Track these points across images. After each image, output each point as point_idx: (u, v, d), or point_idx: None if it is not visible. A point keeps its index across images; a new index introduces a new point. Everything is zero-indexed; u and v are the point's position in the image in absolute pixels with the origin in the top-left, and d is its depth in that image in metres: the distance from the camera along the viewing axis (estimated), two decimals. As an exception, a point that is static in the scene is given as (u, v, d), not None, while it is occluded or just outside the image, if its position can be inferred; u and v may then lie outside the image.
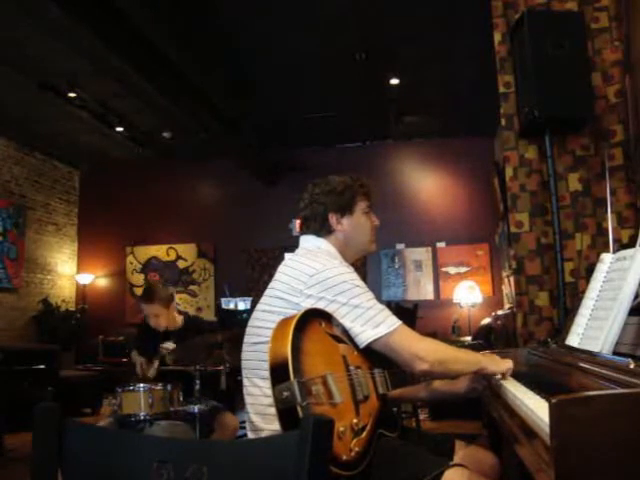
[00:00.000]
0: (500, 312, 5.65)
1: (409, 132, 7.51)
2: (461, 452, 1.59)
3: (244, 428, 1.63)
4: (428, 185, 7.78)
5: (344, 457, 1.24)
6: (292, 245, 2.21)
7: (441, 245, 7.59)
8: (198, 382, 2.82)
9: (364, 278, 7.21)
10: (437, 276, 7.57)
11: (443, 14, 4.72)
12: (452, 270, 7.53)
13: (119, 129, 6.82)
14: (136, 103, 5.94)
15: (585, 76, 2.69)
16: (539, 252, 2.88)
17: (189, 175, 8.24)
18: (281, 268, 1.58)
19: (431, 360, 1.43)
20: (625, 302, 1.39)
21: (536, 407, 1.15)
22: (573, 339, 1.63)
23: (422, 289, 7.60)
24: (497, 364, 1.59)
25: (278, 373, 1.22)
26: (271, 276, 1.61)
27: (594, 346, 1.43)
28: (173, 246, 8.25)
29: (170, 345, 3.01)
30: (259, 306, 1.56)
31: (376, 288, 7.38)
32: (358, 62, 5.34)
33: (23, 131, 7.10)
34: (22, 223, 7.40)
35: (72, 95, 5.86)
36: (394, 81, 5.95)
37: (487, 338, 5.22)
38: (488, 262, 7.42)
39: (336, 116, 6.75)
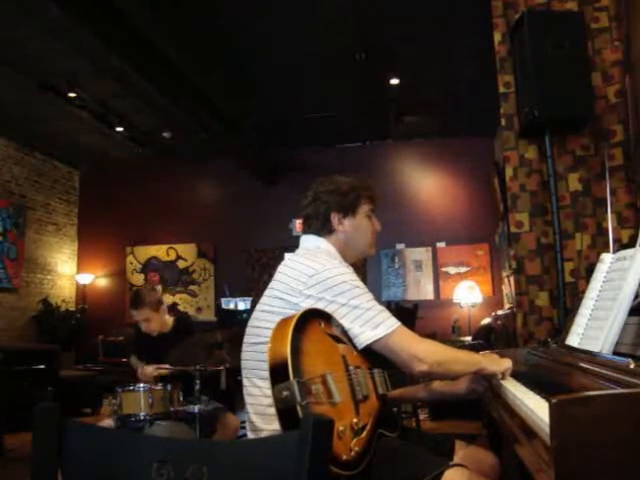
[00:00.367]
0: (500, 312, 5.65)
1: (409, 132, 7.51)
2: (461, 452, 1.59)
3: (244, 428, 1.63)
4: (428, 185, 7.78)
5: (344, 457, 1.24)
6: (292, 245, 2.21)
7: (441, 245, 7.59)
8: (198, 382, 2.82)
9: (364, 278, 7.21)
10: (437, 276, 7.57)
11: (443, 14, 4.73)
12: (452, 270, 7.53)
13: (119, 129, 6.83)
14: (136, 103, 5.95)
15: (585, 76, 2.69)
16: (539, 252, 2.88)
17: (189, 175, 8.24)
18: (281, 268, 1.58)
19: (430, 361, 1.43)
20: (625, 302, 1.39)
21: (536, 407, 1.15)
22: (573, 339, 1.62)
23: (422, 289, 7.60)
24: (497, 364, 1.59)
25: (278, 373, 1.22)
26: (271, 276, 1.61)
27: (594, 346, 1.43)
28: (173, 246, 8.25)
29: (149, 368, 3.01)
30: (259, 306, 1.56)
31: (376, 288, 7.39)
32: (358, 62, 5.34)
33: (23, 131, 7.10)
34: (22, 223, 7.40)
35: (72, 95, 5.86)
36: (394, 81, 5.95)
37: (487, 338, 5.22)
38: (488, 262, 7.42)
39: (336, 116, 6.76)
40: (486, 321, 5.96)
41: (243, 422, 2.30)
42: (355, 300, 1.46)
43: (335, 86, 6.02)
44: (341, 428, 1.26)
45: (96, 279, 8.34)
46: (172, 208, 8.17)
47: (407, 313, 4.30)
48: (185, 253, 8.23)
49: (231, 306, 7.33)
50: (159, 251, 8.28)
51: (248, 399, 1.50)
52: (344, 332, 1.45)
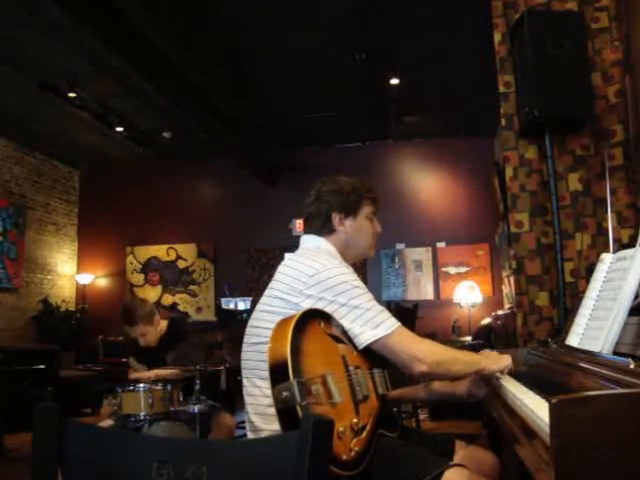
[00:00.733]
0: (500, 312, 5.65)
1: (409, 132, 7.51)
2: (461, 452, 1.59)
3: (243, 428, 1.62)
4: (428, 185, 7.78)
5: (344, 457, 1.24)
6: (292, 245, 2.21)
7: (441, 245, 7.59)
8: (198, 382, 2.82)
9: (364, 278, 7.21)
10: (437, 276, 7.57)
11: (443, 14, 4.72)
12: (452, 270, 7.53)
13: (119, 129, 6.82)
14: (136, 103, 5.95)
15: (585, 76, 2.69)
16: (539, 252, 2.88)
17: (189, 175, 8.24)
18: (281, 268, 1.58)
19: (430, 361, 1.43)
20: (625, 302, 1.39)
21: (536, 407, 1.15)
22: (573, 339, 1.62)
23: (422, 289, 7.60)
24: (496, 362, 1.58)
25: (277, 373, 1.22)
26: (271, 276, 1.61)
27: (594, 346, 1.43)
28: (173, 246, 8.25)
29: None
30: (259, 306, 1.56)
31: (376, 288, 7.39)
32: (358, 62, 5.34)
33: (23, 131, 7.10)
34: (22, 223, 7.40)
35: (72, 95, 5.86)
36: (394, 81, 5.95)
37: (487, 338, 5.22)
38: (488, 262, 7.42)
39: (336, 116, 6.75)
40: (486, 321, 5.96)
41: (242, 422, 2.30)
42: (355, 300, 1.46)
43: (335, 86, 6.02)
44: (341, 428, 1.26)
45: (96, 279, 8.34)
46: (172, 208, 8.16)
47: (407, 313, 4.30)
48: (185, 253, 8.23)
49: (231, 306, 7.32)
50: (159, 251, 8.28)
51: (248, 399, 1.50)
52: (344, 332, 1.45)
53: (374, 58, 5.33)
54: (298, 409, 1.17)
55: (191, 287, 8.20)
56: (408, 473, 1.37)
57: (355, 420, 1.33)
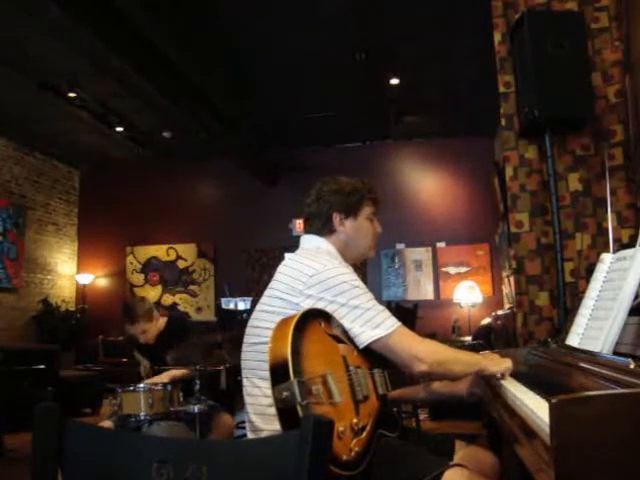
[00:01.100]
0: (500, 312, 5.65)
1: (409, 132, 7.51)
2: (461, 452, 1.59)
3: (243, 428, 1.62)
4: (428, 185, 7.79)
5: (344, 457, 1.24)
6: (292, 245, 2.21)
7: (441, 245, 7.59)
8: (198, 382, 2.81)
9: (364, 278, 7.21)
10: (437, 276, 7.57)
11: (443, 14, 4.73)
12: (452, 270, 7.53)
13: (119, 129, 6.83)
14: (136, 103, 5.95)
15: (585, 76, 2.69)
16: (539, 252, 2.88)
17: (189, 175, 8.25)
18: (281, 268, 1.58)
19: (430, 361, 1.43)
20: (625, 302, 1.39)
21: (536, 407, 1.15)
22: (573, 339, 1.62)
23: (422, 289, 7.60)
24: (497, 364, 1.59)
25: (278, 373, 1.22)
26: (271, 276, 1.61)
27: (594, 346, 1.43)
28: (173, 246, 8.25)
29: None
30: (259, 306, 1.56)
31: (376, 288, 7.39)
32: (358, 62, 5.35)
33: (23, 131, 7.10)
34: (22, 223, 7.40)
35: (72, 95, 5.86)
36: (394, 81, 5.95)
37: (487, 338, 5.22)
38: (488, 262, 7.43)
39: (336, 116, 6.76)
40: (486, 321, 5.96)
41: (242, 422, 2.29)
42: (355, 300, 1.46)
43: (335, 86, 6.02)
44: (341, 428, 1.26)
45: (96, 279, 8.34)
46: (172, 208, 8.17)
47: (407, 313, 4.30)
48: (185, 253, 8.23)
49: (231, 306, 7.32)
50: (159, 251, 8.28)
51: (248, 399, 1.50)
52: (344, 332, 1.45)
53: (374, 58, 5.33)
54: (298, 409, 1.17)
55: (191, 287, 8.20)
56: (408, 473, 1.37)
57: (355, 420, 1.33)
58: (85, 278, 8.25)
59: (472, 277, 7.38)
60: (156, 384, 2.80)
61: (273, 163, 7.77)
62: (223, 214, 8.05)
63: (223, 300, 7.44)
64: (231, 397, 3.45)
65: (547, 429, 0.94)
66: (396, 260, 7.69)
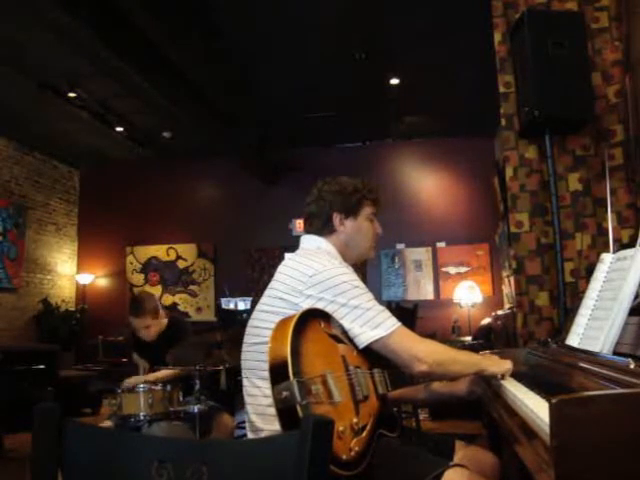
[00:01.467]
0: (500, 312, 5.66)
1: (409, 132, 7.51)
2: (461, 452, 1.59)
3: (243, 428, 1.62)
4: (428, 185, 7.79)
5: (344, 457, 1.24)
6: (292, 245, 2.21)
7: (441, 245, 7.59)
8: (198, 382, 2.81)
9: (364, 278, 7.20)
10: (437, 276, 7.57)
11: (443, 14, 4.73)
12: (452, 270, 7.53)
13: (119, 129, 6.83)
14: (136, 103, 5.95)
15: (585, 76, 2.69)
16: (539, 252, 2.88)
17: (189, 175, 8.25)
18: (281, 268, 1.58)
19: (430, 361, 1.43)
20: (625, 302, 1.39)
21: (536, 407, 1.15)
22: (573, 339, 1.62)
23: (422, 289, 7.60)
24: (497, 365, 1.59)
25: (277, 373, 1.22)
26: (271, 276, 1.61)
27: (594, 346, 1.43)
28: (173, 246, 8.25)
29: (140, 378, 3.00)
30: (259, 306, 1.56)
31: (376, 288, 7.39)
32: (358, 62, 5.35)
33: (23, 131, 7.10)
34: (22, 223, 7.40)
35: (72, 95, 5.86)
36: (394, 81, 5.95)
37: (487, 338, 5.23)
38: (488, 262, 7.43)
39: (336, 116, 6.75)
40: (486, 321, 5.97)
41: (242, 422, 2.29)
42: (355, 300, 1.46)
43: (335, 86, 6.02)
44: (341, 428, 1.26)
45: (96, 279, 8.34)
46: (172, 208, 8.17)
47: (407, 313, 4.30)
48: (185, 253, 8.23)
49: (231, 306, 7.33)
50: (159, 251, 8.28)
51: (248, 399, 1.50)
52: (344, 332, 1.45)
53: (374, 58, 5.33)
54: (298, 409, 1.17)
55: (191, 287, 8.20)
56: (408, 473, 1.37)
57: (355, 420, 1.33)
58: (85, 278, 8.25)
59: (472, 277, 7.38)
60: (156, 384, 2.80)
61: (273, 163, 7.77)
62: (223, 214, 8.06)
63: (223, 300, 7.44)
64: (231, 397, 3.45)
65: (547, 429, 0.94)
66: (396, 260, 7.69)
